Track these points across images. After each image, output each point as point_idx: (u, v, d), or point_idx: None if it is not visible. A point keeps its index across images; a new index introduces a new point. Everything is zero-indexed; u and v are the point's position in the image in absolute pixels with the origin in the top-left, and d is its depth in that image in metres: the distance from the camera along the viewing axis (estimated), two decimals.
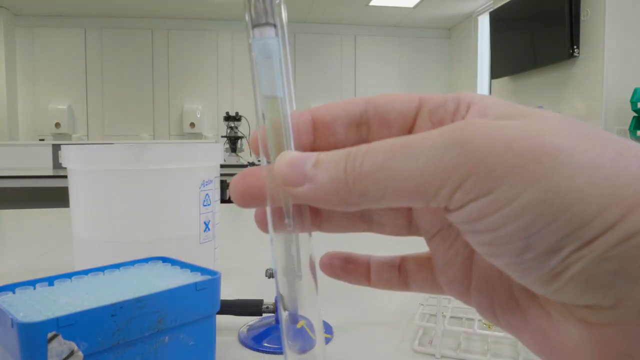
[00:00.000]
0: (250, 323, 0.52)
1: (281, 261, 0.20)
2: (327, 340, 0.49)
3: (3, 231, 1.16)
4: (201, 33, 5.23)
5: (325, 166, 0.17)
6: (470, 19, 5.14)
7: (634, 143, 0.15)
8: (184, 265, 0.42)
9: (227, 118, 3.95)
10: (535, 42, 3.70)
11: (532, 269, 0.15)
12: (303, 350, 0.20)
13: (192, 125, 5.18)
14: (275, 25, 0.19)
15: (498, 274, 0.20)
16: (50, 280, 0.37)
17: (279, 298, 0.20)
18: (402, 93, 0.21)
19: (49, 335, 0.29)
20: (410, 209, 0.22)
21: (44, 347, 0.29)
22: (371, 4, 4.74)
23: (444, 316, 0.48)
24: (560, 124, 0.16)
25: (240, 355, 0.46)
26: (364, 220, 0.23)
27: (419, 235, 0.22)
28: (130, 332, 0.33)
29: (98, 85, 5.17)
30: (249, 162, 3.71)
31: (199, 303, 0.37)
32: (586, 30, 3.28)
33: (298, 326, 0.20)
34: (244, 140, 3.94)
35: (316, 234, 0.20)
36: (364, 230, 0.23)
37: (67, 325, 0.30)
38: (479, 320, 0.49)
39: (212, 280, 0.38)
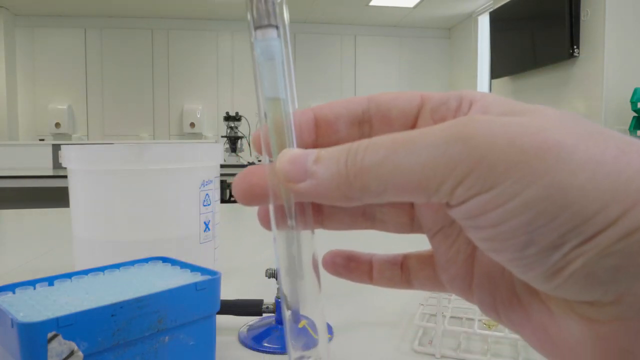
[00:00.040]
0: (250, 323, 0.52)
1: (284, 260, 0.20)
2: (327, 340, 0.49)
3: (3, 231, 1.16)
4: (201, 33, 5.23)
5: (326, 162, 0.17)
6: (470, 19, 5.14)
7: (635, 140, 0.15)
8: (184, 265, 0.42)
9: (227, 118, 3.95)
10: (535, 42, 3.70)
11: (534, 264, 0.15)
12: (306, 349, 0.20)
13: (192, 125, 5.18)
14: (277, 27, 0.19)
15: (500, 271, 0.20)
16: (50, 280, 0.37)
17: (282, 297, 0.20)
18: (404, 91, 0.21)
19: (49, 335, 0.29)
20: (412, 207, 0.22)
21: (44, 347, 0.29)
22: (371, 4, 4.74)
23: (444, 316, 0.48)
24: (562, 120, 0.16)
25: (240, 355, 0.46)
26: (366, 218, 0.23)
27: (422, 232, 0.22)
28: (130, 332, 0.33)
29: (98, 85, 5.17)
30: (248, 162, 3.71)
31: (199, 303, 0.37)
32: (586, 30, 3.28)
33: (300, 326, 0.20)
34: (244, 140, 3.94)
35: (318, 233, 0.20)
36: (366, 228, 0.23)
37: (67, 325, 0.30)
38: (479, 320, 0.49)
39: (212, 280, 0.38)
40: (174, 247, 0.57)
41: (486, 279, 0.20)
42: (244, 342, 0.48)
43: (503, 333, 0.46)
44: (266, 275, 0.51)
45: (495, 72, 4.37)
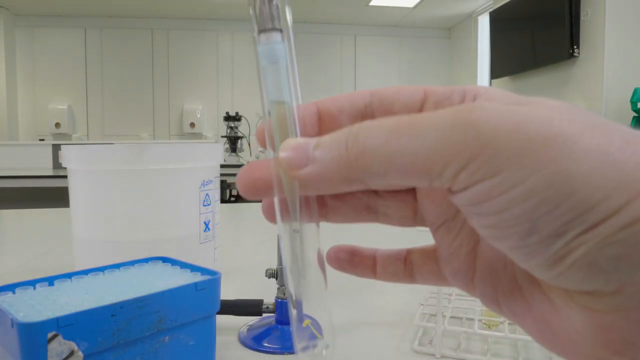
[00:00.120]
0: (250, 323, 0.52)
1: (288, 259, 0.20)
2: None
3: (3, 231, 1.16)
4: (201, 33, 5.23)
5: (326, 146, 0.17)
6: (470, 19, 5.14)
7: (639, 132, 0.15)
8: (184, 265, 0.42)
9: (227, 118, 3.95)
10: (535, 42, 3.70)
11: (536, 252, 0.15)
12: (309, 348, 0.20)
13: (192, 125, 5.18)
14: (281, 30, 0.19)
15: (502, 264, 0.20)
16: (50, 280, 0.37)
17: (289, 296, 0.20)
18: (407, 85, 0.21)
19: (49, 335, 0.29)
20: (415, 200, 0.22)
21: (44, 347, 0.29)
22: (371, 4, 4.74)
23: (444, 316, 0.48)
24: (568, 111, 0.16)
25: (240, 355, 0.46)
26: (369, 212, 0.23)
27: (425, 226, 0.22)
28: (130, 332, 0.33)
29: (98, 85, 5.17)
30: (248, 162, 3.71)
31: (199, 303, 0.37)
32: (586, 30, 3.28)
33: (303, 325, 0.20)
34: (244, 141, 3.94)
35: (321, 229, 0.20)
36: (369, 221, 0.23)
37: (67, 325, 0.30)
38: (479, 321, 0.49)
39: (212, 280, 0.38)
40: (174, 247, 0.57)
41: (488, 271, 0.20)
42: (244, 342, 0.48)
43: (503, 333, 0.46)
44: (266, 275, 0.51)
45: (495, 72, 4.37)
